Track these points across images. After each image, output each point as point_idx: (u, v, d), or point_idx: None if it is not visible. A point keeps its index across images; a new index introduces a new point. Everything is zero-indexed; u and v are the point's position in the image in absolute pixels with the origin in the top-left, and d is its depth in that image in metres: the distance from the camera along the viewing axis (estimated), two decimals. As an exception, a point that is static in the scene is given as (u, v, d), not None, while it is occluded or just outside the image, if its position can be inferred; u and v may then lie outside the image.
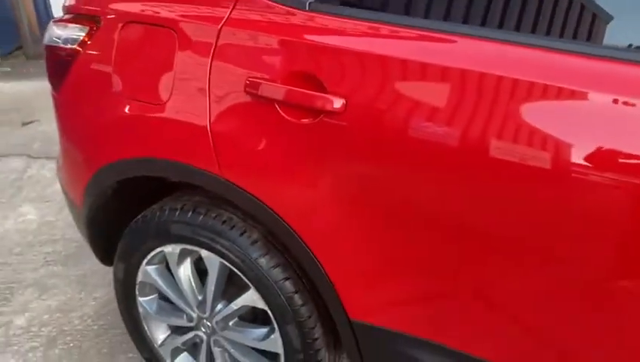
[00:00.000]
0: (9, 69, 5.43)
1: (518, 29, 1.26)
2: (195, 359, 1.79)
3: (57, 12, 5.63)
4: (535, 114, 1.02)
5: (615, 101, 0.97)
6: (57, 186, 3.03)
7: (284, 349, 1.53)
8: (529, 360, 1.20)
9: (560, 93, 1.01)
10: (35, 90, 4.78)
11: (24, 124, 4.12)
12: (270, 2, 1.28)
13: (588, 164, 0.98)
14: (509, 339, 1.21)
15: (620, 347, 1.09)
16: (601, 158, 0.97)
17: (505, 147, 1.04)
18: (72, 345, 2.13)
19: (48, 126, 4.07)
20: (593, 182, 0.99)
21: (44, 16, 6.35)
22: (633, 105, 0.96)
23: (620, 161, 0.96)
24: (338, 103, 1.18)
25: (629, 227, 0.99)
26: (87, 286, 2.42)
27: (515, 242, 1.10)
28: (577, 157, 0.98)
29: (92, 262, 2.44)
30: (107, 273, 2.39)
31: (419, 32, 1.15)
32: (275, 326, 1.51)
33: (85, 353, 2.08)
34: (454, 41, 1.12)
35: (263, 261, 1.45)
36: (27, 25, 5.74)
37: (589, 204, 1.00)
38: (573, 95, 1.01)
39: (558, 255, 1.07)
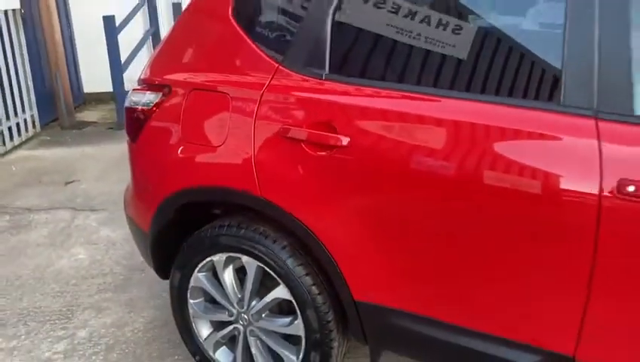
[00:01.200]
0: (48, 138, 6.07)
1: (469, 88, 1.82)
2: (232, 351, 2.27)
3: (88, 89, 6.30)
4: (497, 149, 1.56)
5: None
6: (102, 232, 3.59)
7: (305, 332, 2.02)
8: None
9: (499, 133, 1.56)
10: (72, 155, 5.39)
11: (67, 183, 4.69)
12: (293, 72, 1.86)
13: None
14: (483, 308, 1.70)
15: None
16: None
17: (451, 172, 1.59)
18: (127, 351, 2.59)
19: (87, 185, 4.65)
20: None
21: (77, 93, 7.07)
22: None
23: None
24: (345, 141, 1.74)
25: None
26: (135, 308, 2.90)
27: (463, 237, 1.63)
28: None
29: (138, 289, 2.97)
30: (150, 298, 2.91)
31: (400, 93, 1.73)
32: (298, 313, 2.00)
33: (139, 357, 2.55)
34: (423, 99, 1.69)
35: (290, 261, 1.96)
36: (63, 100, 6.43)
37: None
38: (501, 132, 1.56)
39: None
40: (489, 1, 1.86)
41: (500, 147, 1.56)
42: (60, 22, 6.51)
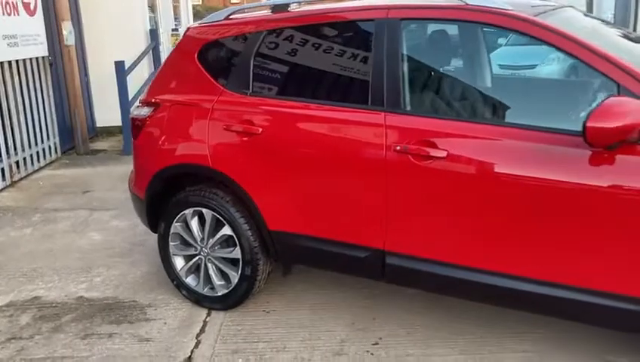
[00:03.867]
0: (67, 161, 7.33)
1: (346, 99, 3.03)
2: (197, 276, 3.43)
3: (100, 124, 7.60)
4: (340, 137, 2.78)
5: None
6: (112, 223, 4.81)
7: (241, 255, 3.20)
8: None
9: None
10: (87, 174, 6.64)
11: (84, 192, 5.92)
12: (230, 92, 3.10)
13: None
14: (341, 224, 2.88)
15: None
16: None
17: (316, 145, 2.81)
18: (129, 287, 3.74)
19: (101, 193, 5.87)
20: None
21: (91, 126, 8.37)
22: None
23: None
24: (259, 131, 2.97)
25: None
26: (135, 266, 4.07)
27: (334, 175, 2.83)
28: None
29: (138, 255, 4.15)
30: (146, 260, 4.07)
31: (289, 102, 2.96)
32: (237, 243, 3.19)
33: (138, 290, 3.69)
34: (300, 106, 2.92)
35: (232, 210, 3.15)
36: (79, 132, 7.71)
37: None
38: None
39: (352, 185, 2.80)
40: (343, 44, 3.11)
41: (337, 129, 2.79)
42: (79, 68, 7.84)
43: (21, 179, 6.48)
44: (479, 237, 2.55)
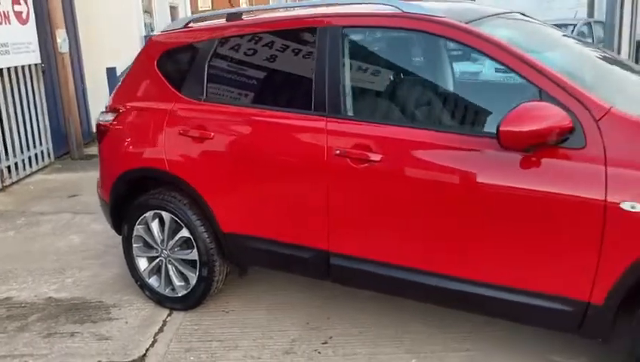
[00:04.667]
0: (60, 166, 7.48)
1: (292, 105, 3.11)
2: (159, 277, 3.53)
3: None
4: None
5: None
6: (92, 226, 4.90)
7: (199, 257, 3.28)
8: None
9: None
10: (79, 178, 6.77)
11: (69, 196, 6.05)
12: (186, 98, 3.20)
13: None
14: (288, 227, 2.96)
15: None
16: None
17: (259, 149, 2.90)
18: (98, 288, 3.85)
19: (86, 197, 5.98)
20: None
21: (86, 131, 8.52)
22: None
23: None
24: (212, 135, 3.06)
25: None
26: (107, 267, 4.17)
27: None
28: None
29: (111, 257, 4.24)
30: (117, 263, 4.17)
31: (236, 108, 3.05)
32: (195, 244, 3.28)
33: (105, 291, 3.80)
34: (245, 112, 3.01)
35: (189, 212, 3.25)
36: (74, 138, 7.86)
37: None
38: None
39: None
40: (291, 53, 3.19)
41: (283, 134, 2.87)
42: (74, 74, 7.98)
43: (12, 183, 6.62)
44: (412, 238, 2.61)
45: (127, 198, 3.53)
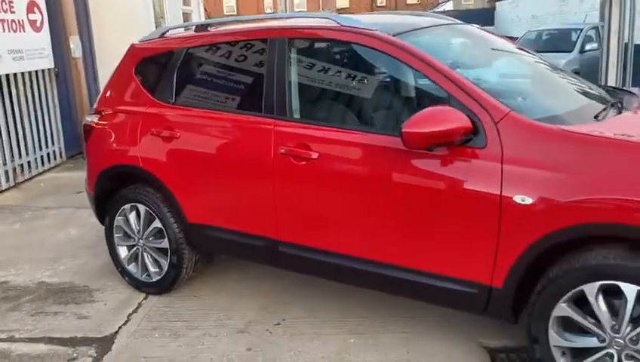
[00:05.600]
0: (72, 165, 7.94)
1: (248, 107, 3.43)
2: (136, 264, 3.88)
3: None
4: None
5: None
6: (91, 220, 5.27)
7: (169, 245, 3.63)
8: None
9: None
10: (86, 176, 7.21)
11: (76, 193, 6.48)
12: (158, 101, 3.55)
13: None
14: (241, 217, 3.29)
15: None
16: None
17: (216, 147, 3.23)
18: (87, 274, 4.23)
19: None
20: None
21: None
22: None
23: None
24: (179, 135, 3.40)
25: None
26: (98, 257, 4.53)
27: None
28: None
29: (101, 248, 4.58)
30: (108, 252, 4.55)
31: (202, 111, 3.39)
32: (165, 234, 3.63)
33: (92, 276, 4.16)
34: (210, 115, 3.35)
35: (161, 205, 3.60)
36: (86, 137, 8.33)
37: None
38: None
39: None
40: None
41: (238, 134, 3.20)
42: (87, 78, 8.45)
43: (25, 180, 7.08)
44: (342, 227, 2.91)
45: (110, 192, 3.89)
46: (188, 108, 3.46)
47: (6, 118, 6.80)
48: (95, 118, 3.90)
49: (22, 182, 7.00)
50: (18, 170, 7.00)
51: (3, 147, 6.69)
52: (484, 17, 28.70)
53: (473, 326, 3.18)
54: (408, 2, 48.30)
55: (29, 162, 7.21)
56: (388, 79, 3.01)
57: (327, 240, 2.99)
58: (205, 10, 13.82)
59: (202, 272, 3.97)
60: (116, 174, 3.80)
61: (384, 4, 48.79)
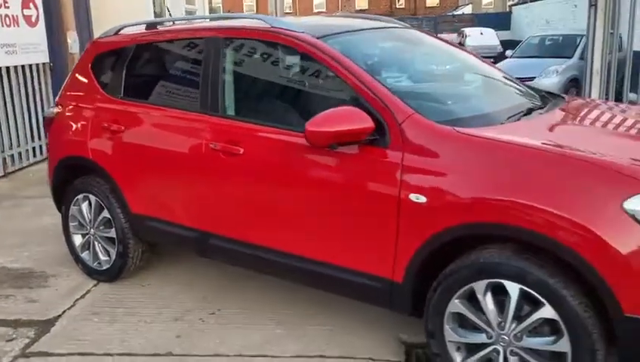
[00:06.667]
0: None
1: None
2: (89, 252, 4.02)
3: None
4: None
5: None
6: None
7: (116, 235, 3.78)
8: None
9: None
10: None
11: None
12: (108, 96, 3.70)
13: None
14: (179, 209, 3.42)
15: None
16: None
17: (158, 141, 3.36)
18: (53, 260, 4.39)
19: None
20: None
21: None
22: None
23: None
24: (123, 128, 3.55)
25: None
26: (62, 245, 4.60)
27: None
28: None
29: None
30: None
31: (145, 106, 3.53)
32: (113, 224, 3.77)
33: (59, 259, 4.33)
34: (156, 110, 3.48)
35: (110, 195, 3.73)
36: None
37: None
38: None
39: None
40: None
41: (174, 129, 3.33)
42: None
43: (15, 170, 7.31)
44: (262, 221, 3.03)
45: (66, 182, 4.05)
46: (133, 103, 3.60)
47: (-3, 110, 7.03)
48: (55, 111, 4.06)
49: (12, 172, 7.23)
50: (9, 160, 7.22)
51: (-9, 139, 6.93)
52: (502, 21, 28.61)
53: (396, 323, 3.25)
54: (428, 4, 48.19)
55: (19, 153, 7.43)
56: (309, 79, 3.11)
57: (249, 233, 3.11)
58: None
59: (152, 262, 4.11)
60: (70, 165, 3.95)
61: (403, 5, 48.76)
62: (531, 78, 11.36)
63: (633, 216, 2.09)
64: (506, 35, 26.15)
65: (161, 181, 3.45)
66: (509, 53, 13.78)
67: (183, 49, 3.46)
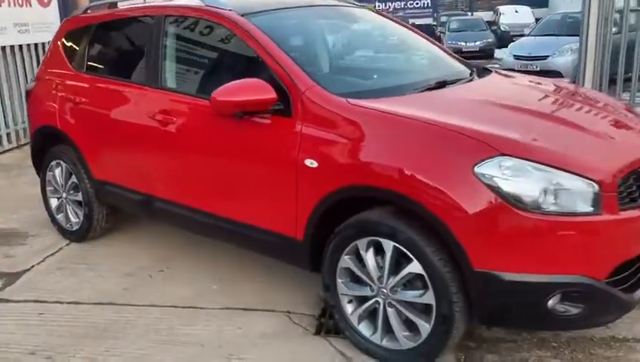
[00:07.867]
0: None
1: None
2: (63, 213, 4.40)
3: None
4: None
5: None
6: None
7: (82, 198, 4.13)
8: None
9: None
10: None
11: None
12: (74, 70, 4.03)
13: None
14: (134, 175, 3.74)
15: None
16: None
17: (113, 110, 3.68)
18: (40, 227, 4.81)
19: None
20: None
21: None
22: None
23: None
24: (84, 100, 3.88)
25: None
26: (51, 209, 5.13)
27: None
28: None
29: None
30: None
31: (105, 79, 3.84)
32: (80, 188, 4.12)
33: (43, 223, 4.74)
34: (112, 82, 3.79)
35: (78, 163, 4.08)
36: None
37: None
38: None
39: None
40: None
41: (127, 101, 3.63)
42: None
43: (27, 143, 7.79)
44: (191, 184, 3.32)
45: (42, 150, 4.42)
46: (94, 77, 3.92)
47: (10, 85, 7.50)
48: (33, 84, 4.43)
49: (25, 144, 7.71)
50: (22, 133, 7.72)
51: (5, 112, 7.41)
52: (540, -1, 27.96)
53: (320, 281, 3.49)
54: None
55: (33, 126, 7.92)
56: (231, 54, 3.35)
57: (183, 196, 3.40)
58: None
59: (121, 225, 4.45)
60: (45, 134, 4.32)
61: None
62: (545, 57, 11.26)
63: (482, 180, 2.28)
64: (543, 12, 25.57)
65: (115, 149, 3.76)
66: (526, 31, 13.60)
67: (135, 27, 3.75)
